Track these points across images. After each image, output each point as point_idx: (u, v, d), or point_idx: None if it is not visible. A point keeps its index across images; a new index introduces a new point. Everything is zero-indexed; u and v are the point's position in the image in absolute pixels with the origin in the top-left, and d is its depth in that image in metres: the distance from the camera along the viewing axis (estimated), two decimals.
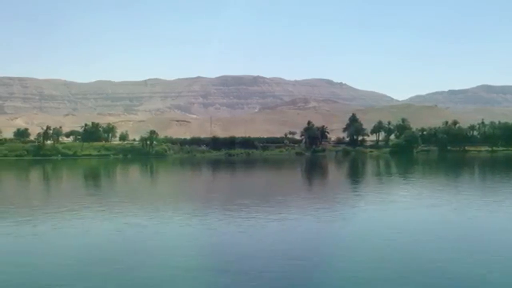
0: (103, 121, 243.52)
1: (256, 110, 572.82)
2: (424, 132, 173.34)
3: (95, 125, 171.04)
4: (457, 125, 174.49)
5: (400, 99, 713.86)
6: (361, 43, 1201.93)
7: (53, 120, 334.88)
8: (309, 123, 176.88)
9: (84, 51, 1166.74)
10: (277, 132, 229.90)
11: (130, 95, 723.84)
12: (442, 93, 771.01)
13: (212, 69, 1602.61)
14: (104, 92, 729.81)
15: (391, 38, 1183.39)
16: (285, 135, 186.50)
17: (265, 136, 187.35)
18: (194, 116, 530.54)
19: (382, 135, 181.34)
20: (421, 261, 22.94)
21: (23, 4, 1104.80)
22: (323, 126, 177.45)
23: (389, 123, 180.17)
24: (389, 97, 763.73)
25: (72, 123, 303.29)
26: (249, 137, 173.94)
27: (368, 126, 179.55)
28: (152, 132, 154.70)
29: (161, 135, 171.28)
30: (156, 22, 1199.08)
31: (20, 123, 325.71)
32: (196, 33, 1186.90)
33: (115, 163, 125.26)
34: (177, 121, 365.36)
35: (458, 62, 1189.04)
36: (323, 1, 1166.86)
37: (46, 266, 22.90)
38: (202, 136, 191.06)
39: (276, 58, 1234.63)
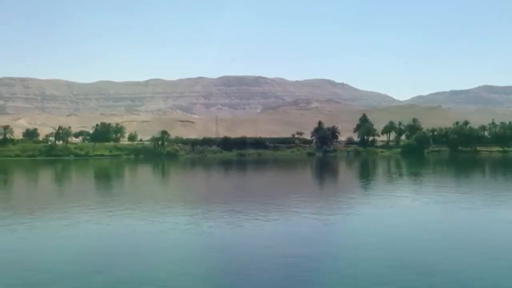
0: (106, 121, 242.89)
1: (258, 111, 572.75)
2: (435, 133, 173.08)
3: (106, 126, 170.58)
4: (468, 125, 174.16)
5: (402, 100, 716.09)
6: (363, 43, 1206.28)
7: (56, 121, 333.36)
8: (319, 123, 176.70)
9: (85, 51, 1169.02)
10: (281, 132, 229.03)
11: (131, 95, 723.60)
12: (443, 93, 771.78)
13: (213, 70, 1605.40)
14: (105, 93, 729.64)
15: (392, 38, 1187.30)
16: (293, 135, 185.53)
17: (268, 137, 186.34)
18: (196, 116, 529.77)
19: (392, 135, 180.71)
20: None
21: (23, 4, 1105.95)
22: (333, 127, 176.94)
23: (399, 123, 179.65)
24: (391, 97, 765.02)
25: (75, 123, 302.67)
26: (260, 137, 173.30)
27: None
28: (164, 133, 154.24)
29: None
30: (158, 22, 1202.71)
31: (23, 123, 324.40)
32: (198, 34, 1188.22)
33: (128, 163, 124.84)
34: (181, 121, 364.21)
35: (459, 62, 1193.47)
36: (324, 1, 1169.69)
37: (47, 265, 23.26)
38: (207, 136, 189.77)
39: (278, 58, 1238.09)
